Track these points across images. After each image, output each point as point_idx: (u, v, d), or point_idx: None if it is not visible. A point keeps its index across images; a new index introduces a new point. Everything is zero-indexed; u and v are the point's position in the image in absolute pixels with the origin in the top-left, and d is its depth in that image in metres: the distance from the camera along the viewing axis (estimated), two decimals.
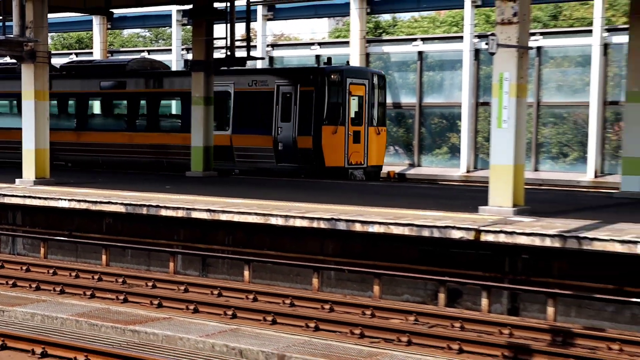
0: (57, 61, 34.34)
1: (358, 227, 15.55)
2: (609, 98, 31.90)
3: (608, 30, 32.10)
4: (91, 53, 43.06)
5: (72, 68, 33.32)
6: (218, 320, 13.27)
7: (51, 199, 19.87)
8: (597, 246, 13.32)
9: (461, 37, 35.06)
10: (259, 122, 27.14)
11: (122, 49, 48.84)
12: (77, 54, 45.13)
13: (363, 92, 27.05)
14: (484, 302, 13.97)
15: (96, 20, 41.79)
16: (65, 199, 19.63)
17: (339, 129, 26.09)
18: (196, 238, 18.05)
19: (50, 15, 24.23)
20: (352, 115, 26.75)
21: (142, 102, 31.04)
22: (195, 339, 11.99)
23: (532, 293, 13.87)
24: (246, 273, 16.34)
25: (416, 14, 45.28)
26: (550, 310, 13.32)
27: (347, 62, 30.40)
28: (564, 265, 14.00)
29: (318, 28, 51.87)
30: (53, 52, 30.42)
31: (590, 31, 32.23)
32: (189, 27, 36.58)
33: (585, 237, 13.45)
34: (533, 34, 31.00)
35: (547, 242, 13.77)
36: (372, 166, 27.41)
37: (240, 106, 27.93)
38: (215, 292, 15.15)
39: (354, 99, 26.86)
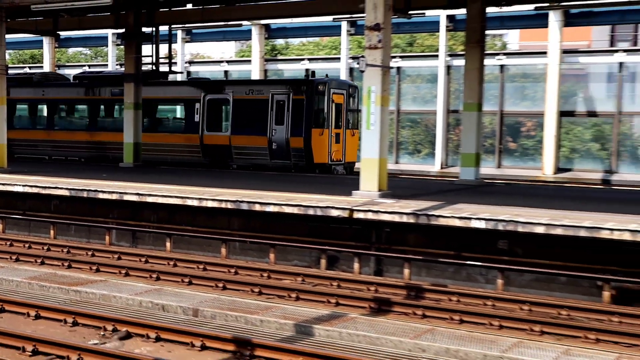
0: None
1: (257, 207, 15.48)
2: (451, 107, 32.57)
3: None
4: (42, 67, 41.73)
5: (84, 78, 31.03)
6: (145, 282, 13.05)
7: (8, 184, 19.22)
8: (442, 221, 13.57)
9: (339, 58, 35.27)
10: (256, 125, 25.64)
11: (67, 64, 47.41)
12: (30, 68, 43.67)
13: (342, 100, 25.85)
14: (356, 266, 14.07)
15: (46, 40, 40.40)
16: (20, 185, 19.01)
17: (324, 131, 24.98)
18: (127, 216, 17.68)
19: (7, 36, 23.59)
20: (334, 119, 25.56)
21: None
22: (127, 297, 11.77)
23: (392, 258, 14.04)
24: (168, 244, 16.09)
25: (304, 40, 45.33)
26: (406, 271, 13.51)
27: (327, 75, 28.09)
28: (417, 237, 14.21)
29: (226, 49, 51.51)
30: (10, 65, 29.34)
31: (437, 56, 32.84)
32: (122, 46, 35.70)
33: (432, 215, 13.70)
34: (394, 57, 31.47)
35: (404, 219, 13.97)
36: (348, 162, 26.29)
37: (238, 111, 26.20)
38: (143, 259, 14.89)
39: (335, 106, 25.58)
